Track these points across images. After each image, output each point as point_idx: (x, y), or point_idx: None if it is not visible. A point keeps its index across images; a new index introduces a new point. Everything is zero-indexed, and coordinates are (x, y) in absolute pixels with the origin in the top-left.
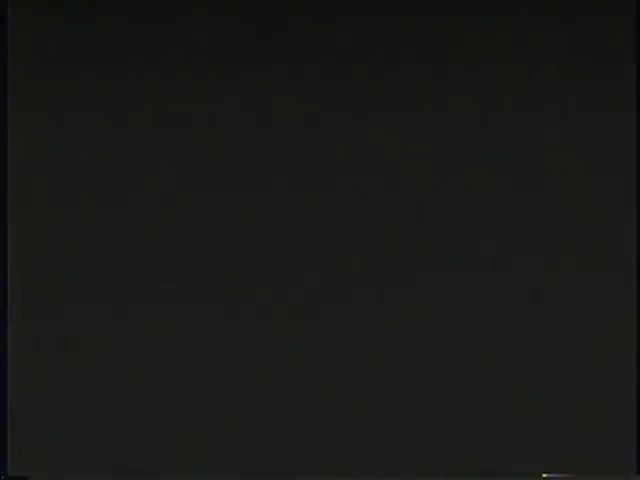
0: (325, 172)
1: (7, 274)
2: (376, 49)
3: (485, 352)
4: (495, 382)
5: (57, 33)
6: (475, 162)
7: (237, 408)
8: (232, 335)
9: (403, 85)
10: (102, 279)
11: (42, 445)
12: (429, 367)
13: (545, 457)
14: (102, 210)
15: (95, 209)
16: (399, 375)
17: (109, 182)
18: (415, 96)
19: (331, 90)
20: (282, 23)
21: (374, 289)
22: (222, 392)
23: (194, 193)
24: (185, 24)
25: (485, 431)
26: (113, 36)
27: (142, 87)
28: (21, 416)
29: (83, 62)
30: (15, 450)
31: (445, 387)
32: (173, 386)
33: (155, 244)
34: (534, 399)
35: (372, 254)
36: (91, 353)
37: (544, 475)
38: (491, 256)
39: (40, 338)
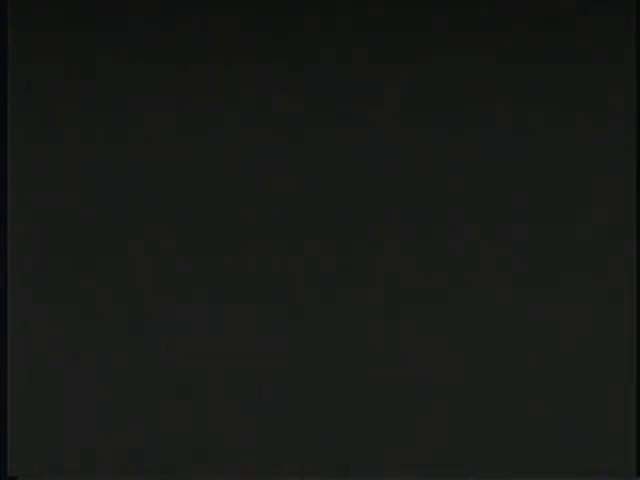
0: (325, 174)
1: (7, 274)
2: (376, 48)
3: (483, 351)
4: (494, 382)
5: (57, 33)
6: (472, 163)
7: (236, 408)
8: (231, 336)
9: (404, 84)
10: (102, 279)
11: (42, 446)
12: (428, 366)
13: (545, 457)
14: (102, 210)
15: (95, 209)
16: (399, 375)
17: (109, 181)
18: (415, 95)
19: (330, 89)
20: (281, 21)
21: (377, 289)
22: (222, 392)
23: (193, 192)
24: (186, 23)
25: (484, 431)
26: (114, 35)
27: (143, 86)
28: (20, 417)
29: (84, 62)
30: (14, 451)
31: (443, 386)
32: (173, 387)
33: (156, 243)
34: (533, 399)
35: (376, 254)
36: (91, 354)
37: None
38: (488, 255)
39: (40, 339)
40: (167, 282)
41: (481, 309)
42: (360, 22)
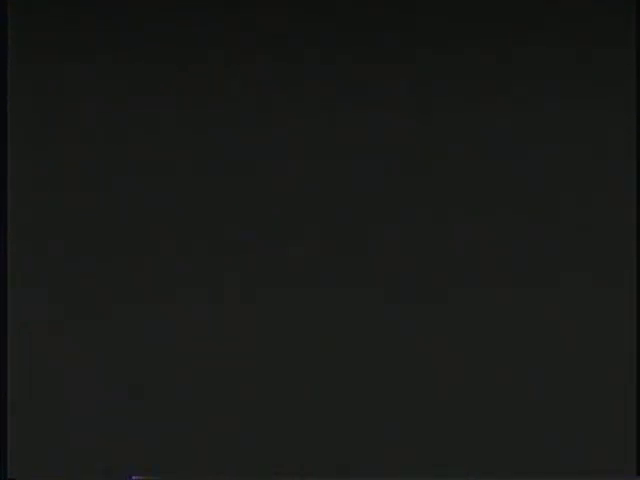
0: (326, 173)
1: (7, 274)
2: (376, 48)
3: (483, 352)
4: (494, 382)
5: (57, 33)
6: (471, 163)
7: (236, 408)
8: (231, 336)
9: (404, 84)
10: (102, 278)
11: (42, 448)
12: (428, 366)
13: (545, 457)
14: (102, 209)
15: (95, 209)
16: (399, 376)
17: (109, 181)
18: (415, 95)
19: (331, 89)
20: (281, 21)
21: (377, 290)
22: (222, 392)
23: (193, 192)
24: (186, 23)
25: (484, 431)
26: (114, 35)
27: (143, 86)
28: (20, 418)
29: (84, 62)
30: (14, 453)
31: (443, 386)
32: (173, 387)
33: (156, 244)
34: (534, 399)
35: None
36: (91, 354)
37: None
38: (489, 255)
39: (40, 339)
40: (167, 282)
41: (481, 309)
42: (360, 22)
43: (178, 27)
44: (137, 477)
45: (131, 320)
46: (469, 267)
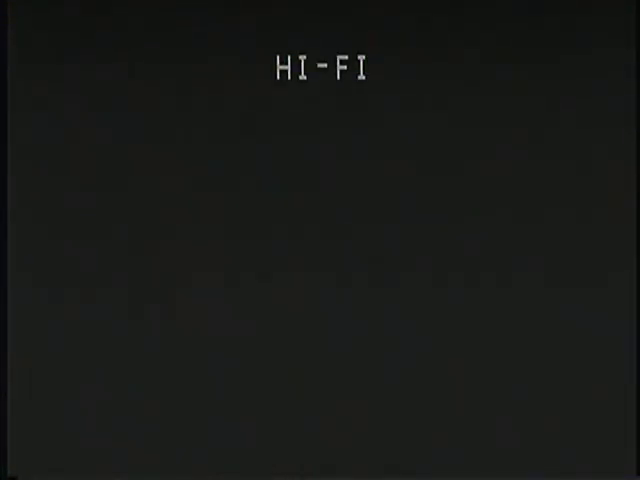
0: (324, 173)
1: (7, 274)
2: (377, 47)
3: (483, 350)
4: (493, 382)
5: (57, 33)
6: (471, 163)
7: (237, 408)
8: (231, 336)
9: (406, 84)
10: (103, 279)
11: (41, 446)
12: (428, 367)
13: (544, 458)
14: (102, 210)
15: (95, 209)
16: (398, 376)
17: (109, 181)
18: (416, 96)
19: (331, 89)
20: (282, 21)
21: (377, 290)
22: (222, 392)
23: (192, 192)
24: (186, 23)
25: (484, 431)
26: (114, 36)
27: (144, 86)
28: (20, 417)
29: (84, 62)
30: (14, 451)
31: (443, 385)
32: (172, 387)
33: (156, 244)
34: (533, 399)
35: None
36: (91, 354)
37: None
38: (488, 256)
39: (40, 339)
40: (168, 282)
41: (481, 310)
42: (360, 22)
43: (178, 27)
44: None
45: (131, 320)
46: (469, 268)
